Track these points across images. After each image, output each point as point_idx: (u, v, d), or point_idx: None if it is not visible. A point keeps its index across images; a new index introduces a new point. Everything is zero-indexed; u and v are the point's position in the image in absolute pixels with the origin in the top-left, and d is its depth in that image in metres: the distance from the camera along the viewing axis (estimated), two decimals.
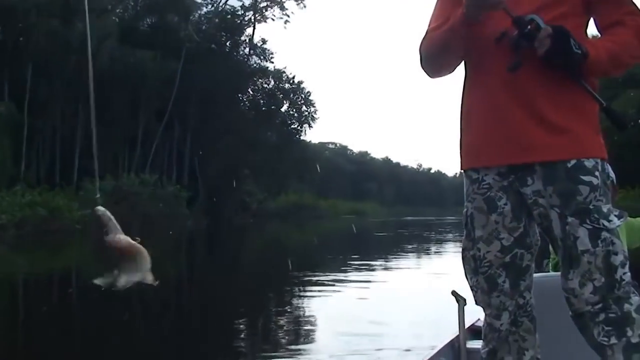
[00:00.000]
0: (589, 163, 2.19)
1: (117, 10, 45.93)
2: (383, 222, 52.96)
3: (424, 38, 2.48)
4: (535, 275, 2.41)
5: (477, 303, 2.44)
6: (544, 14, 2.19)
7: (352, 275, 14.00)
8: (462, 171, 2.44)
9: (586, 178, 2.17)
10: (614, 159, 2.54)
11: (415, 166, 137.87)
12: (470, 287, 2.42)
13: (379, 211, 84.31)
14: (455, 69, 2.49)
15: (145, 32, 44.52)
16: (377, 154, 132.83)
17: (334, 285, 12.25)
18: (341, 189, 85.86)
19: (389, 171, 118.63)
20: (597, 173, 2.19)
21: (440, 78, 2.59)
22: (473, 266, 2.36)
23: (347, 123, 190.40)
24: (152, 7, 45.60)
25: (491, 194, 2.30)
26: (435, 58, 2.46)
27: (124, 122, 40.62)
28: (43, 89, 37.20)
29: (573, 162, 2.18)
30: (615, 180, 3.82)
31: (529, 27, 2.13)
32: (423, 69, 2.53)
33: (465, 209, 2.41)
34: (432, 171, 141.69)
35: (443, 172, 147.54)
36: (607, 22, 2.30)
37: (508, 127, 2.23)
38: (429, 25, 2.50)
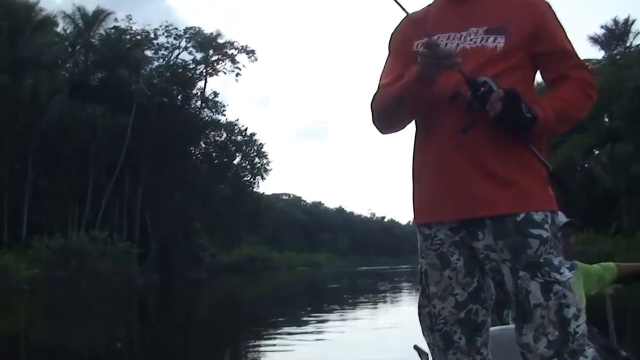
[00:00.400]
0: (538, 216, 2.18)
1: (67, 65, 45.71)
2: (338, 273, 52.96)
3: (375, 93, 2.49)
4: (494, 328, 2.42)
5: None
6: (492, 68, 2.22)
7: (309, 328, 13.94)
8: (416, 227, 2.42)
9: (536, 231, 2.16)
10: (564, 203, 2.56)
11: (368, 215, 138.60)
12: (428, 344, 2.40)
13: (333, 261, 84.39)
14: (406, 125, 2.48)
15: (96, 87, 44.28)
16: (331, 203, 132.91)
17: (289, 338, 12.12)
18: (295, 240, 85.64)
19: (343, 221, 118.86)
20: (546, 226, 2.19)
21: (391, 134, 2.58)
22: (429, 323, 2.33)
23: (300, 174, 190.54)
24: (102, 61, 45.48)
25: (444, 250, 2.29)
26: (386, 114, 2.45)
27: (73, 178, 40.02)
28: None
29: (522, 215, 2.17)
30: (578, 222, 3.91)
31: (482, 89, 2.13)
32: (374, 124, 2.52)
33: (419, 266, 2.39)
34: (386, 220, 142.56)
35: (396, 220, 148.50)
36: (553, 76, 2.33)
37: (458, 182, 2.24)
38: (380, 81, 2.50)
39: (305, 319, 15.98)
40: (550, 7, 2.40)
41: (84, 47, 46.34)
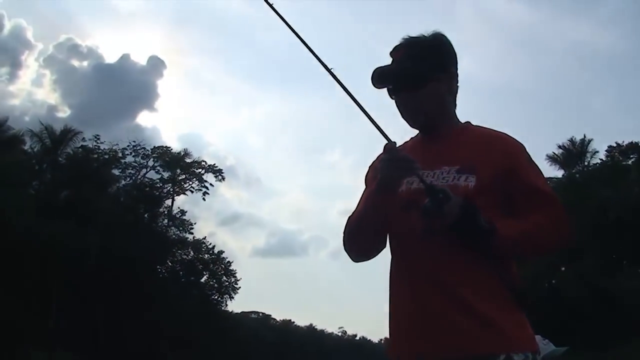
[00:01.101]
0: (518, 358, 2.17)
1: (34, 183, 45.70)
2: None
3: (347, 222, 2.55)
4: None
5: None
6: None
7: None
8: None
9: None
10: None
11: (339, 333, 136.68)
12: None
13: None
14: (375, 249, 2.53)
15: (62, 205, 44.20)
16: (301, 321, 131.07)
17: None
18: (264, 359, 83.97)
19: (313, 339, 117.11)
20: None
21: (363, 262, 2.62)
22: None
23: (269, 291, 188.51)
24: (69, 180, 45.58)
25: None
26: (354, 236, 2.50)
27: (36, 296, 39.24)
28: None
29: (502, 357, 2.16)
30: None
31: (440, 195, 2.17)
32: (346, 251, 2.57)
33: None
34: (357, 337, 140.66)
35: (368, 338, 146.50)
36: (525, 208, 2.36)
37: (433, 319, 2.23)
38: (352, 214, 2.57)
39: None
40: (523, 147, 2.48)
41: (50, 165, 46.59)
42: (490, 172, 2.31)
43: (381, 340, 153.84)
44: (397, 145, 2.50)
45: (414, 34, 2.63)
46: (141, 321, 44.86)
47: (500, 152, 2.41)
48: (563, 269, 42.26)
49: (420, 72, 2.51)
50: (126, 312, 44.70)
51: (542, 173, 2.52)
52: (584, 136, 49.20)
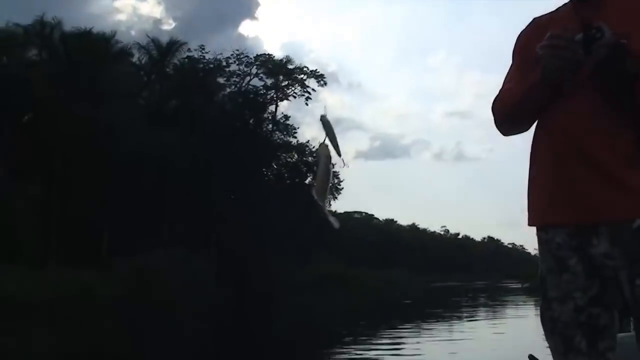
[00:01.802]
0: None
1: (143, 94, 47.64)
2: (413, 289, 52.68)
3: (497, 97, 2.48)
4: (619, 335, 2.30)
5: None
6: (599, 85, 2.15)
7: (388, 342, 14.07)
8: (536, 232, 2.40)
9: None
10: None
11: (442, 232, 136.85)
12: (550, 349, 2.35)
13: (407, 278, 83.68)
14: (529, 127, 2.44)
15: (171, 114, 45.96)
16: (404, 221, 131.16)
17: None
18: (369, 257, 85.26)
19: (416, 238, 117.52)
20: None
21: (513, 135, 2.55)
22: (550, 327, 2.30)
23: (372, 193, 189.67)
24: (177, 90, 47.16)
25: (561, 254, 2.25)
26: (509, 116, 2.44)
27: (152, 200, 41.56)
28: (71, 169, 38.31)
29: (639, 222, 2.11)
30: None
31: (593, 31, 2.07)
32: (497, 127, 2.51)
33: (539, 270, 2.37)
34: (460, 236, 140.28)
35: (471, 237, 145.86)
36: None
37: (571, 183, 2.21)
38: (503, 85, 2.49)
39: (383, 334, 16.10)
40: None
41: (158, 76, 48.14)
42: None
43: (484, 238, 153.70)
44: (544, 15, 2.48)
45: None
46: (250, 222, 46.46)
47: None
48: None
49: None
50: (236, 214, 46.40)
51: None
52: None
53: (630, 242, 2.09)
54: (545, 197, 2.31)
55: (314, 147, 59.63)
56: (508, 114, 2.43)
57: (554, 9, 2.48)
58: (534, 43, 2.27)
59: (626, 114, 2.15)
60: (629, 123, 2.15)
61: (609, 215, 2.13)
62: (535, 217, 2.37)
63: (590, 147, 2.17)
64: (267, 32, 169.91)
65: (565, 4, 2.44)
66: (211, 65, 51.16)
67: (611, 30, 2.04)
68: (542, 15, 2.49)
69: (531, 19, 2.50)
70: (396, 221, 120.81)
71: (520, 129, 2.48)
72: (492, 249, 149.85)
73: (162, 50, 47.11)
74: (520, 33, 2.51)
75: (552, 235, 2.28)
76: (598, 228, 2.15)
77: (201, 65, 50.37)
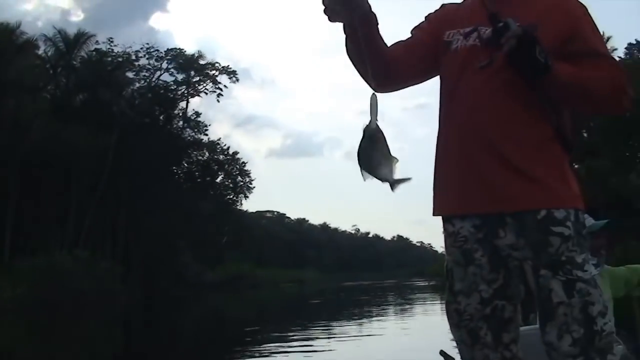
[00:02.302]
0: (559, 214, 2.14)
1: (49, 87, 45.97)
2: (322, 289, 53.06)
3: None
4: (522, 328, 2.34)
5: (462, 358, 2.36)
6: (504, 74, 2.18)
7: (294, 343, 14.07)
8: (442, 223, 2.39)
9: (557, 229, 2.12)
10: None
11: (353, 231, 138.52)
12: (456, 341, 2.37)
13: (318, 277, 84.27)
14: (379, 67, 2.37)
15: (78, 109, 44.50)
16: (315, 220, 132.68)
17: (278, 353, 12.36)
18: (280, 257, 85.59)
19: (327, 237, 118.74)
20: (568, 223, 2.14)
21: (388, 91, 2.53)
22: (456, 320, 2.30)
23: (284, 191, 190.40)
24: (84, 83, 45.73)
25: (467, 247, 2.26)
26: (357, 70, 2.44)
27: (56, 198, 40.17)
28: None
29: (543, 212, 2.13)
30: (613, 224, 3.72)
31: (501, 24, 2.09)
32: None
33: (445, 263, 2.37)
34: (370, 235, 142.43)
35: (380, 235, 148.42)
36: (583, 66, 2.22)
37: (476, 174, 2.22)
38: None
39: (291, 334, 16.17)
40: (587, 10, 2.37)
41: (65, 69, 46.59)
42: (551, 34, 2.17)
43: (393, 237, 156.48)
44: (453, 3, 2.53)
45: None
46: (158, 221, 45.73)
47: (563, 12, 2.30)
48: (576, 166, 42.51)
49: None
50: (144, 213, 45.59)
51: (604, 41, 2.40)
52: (603, 33, 48.60)
53: (535, 233, 2.12)
54: (450, 187, 2.32)
55: (225, 145, 59.39)
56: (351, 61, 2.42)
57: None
58: (436, 21, 2.45)
59: (533, 105, 2.19)
60: (535, 114, 2.19)
61: (514, 205, 2.15)
62: (440, 208, 2.37)
63: (495, 137, 2.19)
64: (179, 26, 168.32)
65: None
66: (120, 59, 49.89)
67: (518, 22, 2.06)
68: (451, 3, 2.53)
69: (440, 5, 2.55)
70: (308, 220, 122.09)
71: (377, 76, 2.35)
72: (402, 247, 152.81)
73: (69, 43, 45.58)
74: (429, 14, 2.55)
75: (459, 227, 2.27)
76: (504, 218, 2.17)
77: (109, 59, 49.08)
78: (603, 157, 38.23)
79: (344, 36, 2.38)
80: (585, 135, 43.99)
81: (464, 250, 2.26)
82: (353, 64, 2.42)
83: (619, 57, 47.48)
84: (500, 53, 2.09)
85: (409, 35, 2.54)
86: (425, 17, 2.57)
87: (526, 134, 2.19)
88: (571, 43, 2.23)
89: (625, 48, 49.09)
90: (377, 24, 2.38)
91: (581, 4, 2.36)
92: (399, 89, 2.58)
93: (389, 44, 2.46)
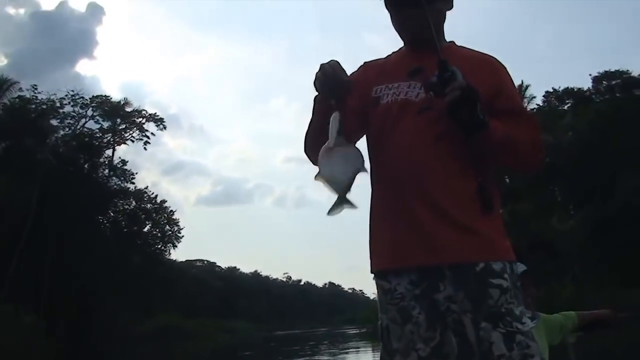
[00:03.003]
0: (497, 266, 2.16)
1: None
2: (254, 338, 52.40)
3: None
4: None
5: None
6: (437, 126, 2.25)
7: None
8: (375, 280, 2.37)
9: (495, 281, 2.14)
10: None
11: (284, 279, 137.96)
12: None
13: (250, 327, 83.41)
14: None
15: (0, 157, 43.22)
16: (246, 268, 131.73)
17: None
18: (211, 307, 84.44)
19: (259, 285, 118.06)
20: (506, 275, 2.16)
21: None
22: None
23: (214, 239, 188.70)
24: (7, 131, 44.53)
25: (404, 304, 2.23)
26: (309, 140, 2.53)
27: None
28: None
29: (481, 265, 2.15)
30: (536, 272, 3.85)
31: (448, 73, 2.13)
32: (306, 153, 2.58)
33: (380, 321, 2.34)
34: (302, 283, 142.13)
35: (312, 283, 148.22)
36: (507, 124, 2.28)
37: (412, 225, 2.22)
38: None
39: None
40: (507, 69, 2.48)
41: None
42: (481, 89, 2.21)
43: (325, 284, 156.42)
44: (376, 60, 2.62)
45: None
46: (85, 272, 44.57)
47: (488, 72, 2.40)
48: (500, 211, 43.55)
49: None
50: (70, 264, 44.37)
51: (521, 100, 2.54)
52: (522, 82, 50.21)
53: (474, 285, 2.13)
54: (385, 240, 2.32)
55: (152, 193, 58.50)
56: (308, 137, 2.53)
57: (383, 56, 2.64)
58: (360, 81, 2.48)
59: (466, 157, 2.22)
60: (468, 167, 2.22)
61: (453, 257, 2.16)
62: (378, 263, 2.35)
63: (432, 188, 2.21)
64: (106, 72, 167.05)
65: (397, 50, 2.60)
66: (44, 106, 48.62)
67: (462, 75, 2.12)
68: (373, 60, 2.62)
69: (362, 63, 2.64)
70: (239, 269, 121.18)
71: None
72: (333, 294, 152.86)
73: None
74: (351, 73, 2.57)
75: (395, 284, 2.26)
76: (443, 271, 2.16)
77: (33, 106, 47.80)
78: (525, 202, 39.23)
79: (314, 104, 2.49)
80: (507, 180, 45.20)
81: (400, 308, 2.24)
82: (311, 132, 2.51)
83: (537, 105, 49.26)
84: (442, 101, 2.13)
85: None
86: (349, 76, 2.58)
87: (462, 185, 2.22)
88: (497, 100, 2.31)
89: (543, 96, 50.84)
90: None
91: (502, 64, 2.48)
92: None
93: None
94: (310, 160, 2.53)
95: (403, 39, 2.57)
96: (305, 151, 2.58)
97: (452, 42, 2.58)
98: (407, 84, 2.40)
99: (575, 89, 47.88)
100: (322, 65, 2.34)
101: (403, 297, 2.24)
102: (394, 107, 2.38)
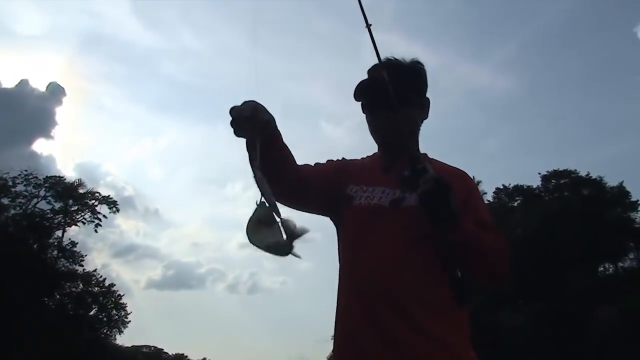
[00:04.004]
0: None
1: None
2: None
3: None
4: None
5: None
6: (418, 226, 2.24)
7: None
8: None
9: None
10: None
11: None
12: None
13: None
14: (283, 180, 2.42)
15: None
16: (195, 355, 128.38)
17: None
18: None
19: None
20: None
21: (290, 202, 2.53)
22: None
23: (163, 325, 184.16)
24: None
25: None
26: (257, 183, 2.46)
27: None
28: None
29: None
30: None
31: (420, 166, 2.17)
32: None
33: None
34: None
35: None
36: None
37: (379, 331, 2.18)
38: None
39: None
40: (475, 184, 2.60)
41: None
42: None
43: None
44: (351, 160, 2.67)
45: (393, 57, 2.64)
46: (27, 355, 43.10)
47: (461, 181, 2.44)
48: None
49: (406, 94, 2.52)
50: (11, 348, 42.91)
51: (491, 215, 2.52)
52: (473, 177, 51.05)
53: None
54: (350, 344, 2.26)
55: (101, 276, 57.32)
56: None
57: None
58: (338, 171, 2.57)
59: (436, 265, 2.23)
60: (438, 275, 2.24)
61: None
62: None
63: (401, 296, 2.19)
64: (62, 152, 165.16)
65: (372, 155, 2.68)
66: None
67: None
68: (352, 159, 2.67)
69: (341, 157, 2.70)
70: (187, 356, 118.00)
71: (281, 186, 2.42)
72: None
73: None
74: (330, 160, 2.67)
75: None
76: None
77: None
78: (475, 294, 39.55)
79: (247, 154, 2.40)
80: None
81: None
82: (257, 182, 2.39)
83: (488, 200, 50.18)
84: (414, 193, 2.17)
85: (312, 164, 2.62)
86: (327, 161, 2.67)
87: (431, 294, 2.22)
88: (466, 210, 2.30)
89: (494, 192, 51.80)
90: (281, 140, 2.42)
91: (473, 180, 2.62)
92: (296, 208, 2.56)
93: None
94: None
95: (377, 142, 2.64)
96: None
97: (425, 154, 2.63)
98: (381, 189, 2.42)
99: (525, 187, 48.83)
100: (234, 107, 2.28)
101: None
102: (365, 211, 2.40)
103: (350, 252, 2.41)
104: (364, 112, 2.62)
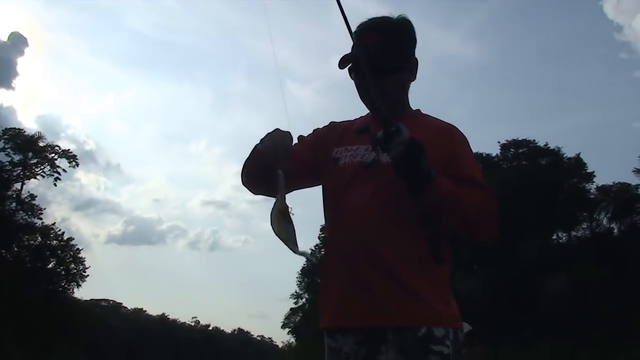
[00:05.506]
0: (439, 332, 2.18)
1: None
2: None
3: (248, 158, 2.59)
4: None
5: None
6: (386, 189, 2.28)
7: None
8: (324, 335, 2.38)
9: (436, 348, 2.16)
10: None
11: (192, 323, 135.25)
12: None
13: None
14: (261, 188, 2.56)
15: None
16: (154, 310, 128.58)
17: None
18: (114, 350, 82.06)
19: (166, 329, 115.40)
20: (447, 342, 2.19)
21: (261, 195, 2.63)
22: None
23: (122, 279, 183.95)
24: None
25: None
26: (246, 176, 2.59)
27: None
28: None
29: (423, 330, 2.17)
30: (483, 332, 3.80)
31: (393, 129, 2.12)
32: (243, 183, 2.61)
33: None
34: (210, 328, 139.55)
35: (221, 328, 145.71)
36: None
37: (360, 286, 2.24)
38: None
39: None
40: (467, 141, 2.53)
41: None
42: (436, 154, 2.26)
43: (234, 330, 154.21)
44: (340, 122, 2.71)
45: (380, 16, 2.60)
46: None
47: (446, 141, 2.43)
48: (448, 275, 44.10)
49: (392, 61, 2.51)
50: None
51: (480, 171, 2.50)
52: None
53: (415, 351, 2.13)
54: (334, 299, 2.33)
55: (59, 230, 56.95)
56: (243, 171, 2.58)
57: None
58: (322, 139, 2.61)
59: (416, 219, 2.21)
60: (417, 230, 2.20)
61: (396, 320, 2.18)
62: (325, 320, 2.38)
63: (382, 251, 2.24)
64: (23, 104, 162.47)
65: (363, 116, 2.68)
66: None
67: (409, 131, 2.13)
68: (341, 122, 2.72)
69: (329, 122, 2.75)
70: (145, 310, 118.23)
71: (257, 187, 2.61)
72: (242, 341, 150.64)
73: None
74: (317, 129, 2.72)
75: (341, 343, 2.28)
76: (385, 334, 2.18)
77: None
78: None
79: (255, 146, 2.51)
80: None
81: None
82: (246, 170, 2.59)
83: None
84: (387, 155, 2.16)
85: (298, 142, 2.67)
86: (314, 131, 2.73)
87: (409, 249, 2.25)
88: (451, 167, 2.35)
89: None
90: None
91: (463, 134, 2.54)
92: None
93: None
94: (248, 189, 2.66)
95: (367, 106, 2.63)
96: (243, 182, 2.62)
97: (418, 110, 2.66)
98: (365, 147, 2.45)
99: (484, 154, 49.17)
100: (274, 132, 2.41)
101: (348, 357, 2.26)
102: (348, 169, 2.46)
103: (334, 206, 2.48)
104: (351, 77, 2.62)
